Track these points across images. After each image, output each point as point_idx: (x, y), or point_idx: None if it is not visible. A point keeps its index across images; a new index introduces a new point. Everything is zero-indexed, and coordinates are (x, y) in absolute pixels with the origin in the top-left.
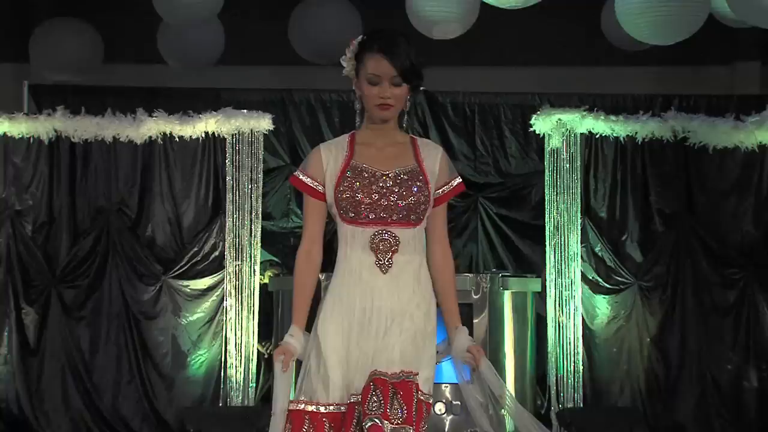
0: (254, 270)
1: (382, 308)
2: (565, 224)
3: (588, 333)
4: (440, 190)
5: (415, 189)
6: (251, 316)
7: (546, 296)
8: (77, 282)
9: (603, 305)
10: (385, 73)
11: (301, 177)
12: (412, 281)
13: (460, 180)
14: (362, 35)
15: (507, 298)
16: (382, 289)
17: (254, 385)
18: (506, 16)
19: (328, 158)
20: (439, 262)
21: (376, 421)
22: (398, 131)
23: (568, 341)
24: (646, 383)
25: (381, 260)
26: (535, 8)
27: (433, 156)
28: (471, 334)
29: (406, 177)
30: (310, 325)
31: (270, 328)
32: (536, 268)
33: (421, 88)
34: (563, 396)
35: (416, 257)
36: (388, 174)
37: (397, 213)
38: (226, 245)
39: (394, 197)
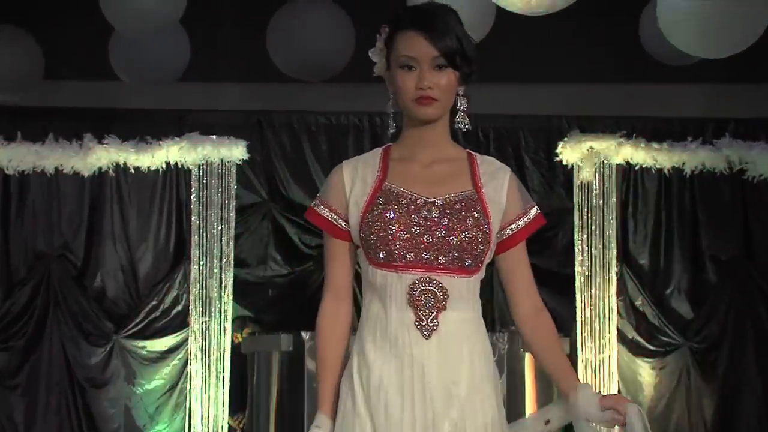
0: (225, 328)
1: (427, 389)
2: (599, 273)
3: None
4: (513, 225)
5: (471, 222)
6: (221, 384)
7: (576, 360)
8: (11, 343)
9: (646, 371)
10: (423, 54)
11: (318, 210)
12: (469, 349)
13: (538, 210)
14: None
15: (528, 360)
16: (428, 360)
17: None
18: (526, 24)
19: (353, 180)
20: (533, 319)
21: None
22: (450, 142)
23: None
24: None
25: (423, 320)
26: (562, 15)
27: (498, 179)
28: None
29: (459, 206)
30: None
31: (243, 397)
32: (564, 326)
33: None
34: None
35: (472, 314)
36: (434, 201)
37: (445, 255)
38: (191, 298)
39: (441, 232)
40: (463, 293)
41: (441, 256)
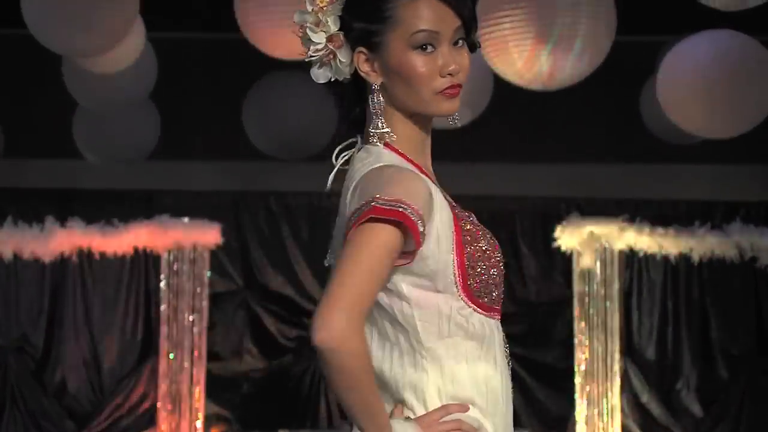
0: (196, 427)
1: None
2: (601, 367)
3: None
4: None
5: None
6: None
7: None
8: None
9: None
10: (448, 25)
11: (405, 209)
12: None
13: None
14: None
15: None
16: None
17: None
18: (523, 99)
19: (436, 199)
20: None
21: None
22: None
23: None
24: None
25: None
26: (560, 92)
27: None
28: None
29: None
30: None
31: None
32: (561, 424)
33: None
34: None
35: None
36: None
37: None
38: (160, 394)
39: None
40: None
41: (502, 291)
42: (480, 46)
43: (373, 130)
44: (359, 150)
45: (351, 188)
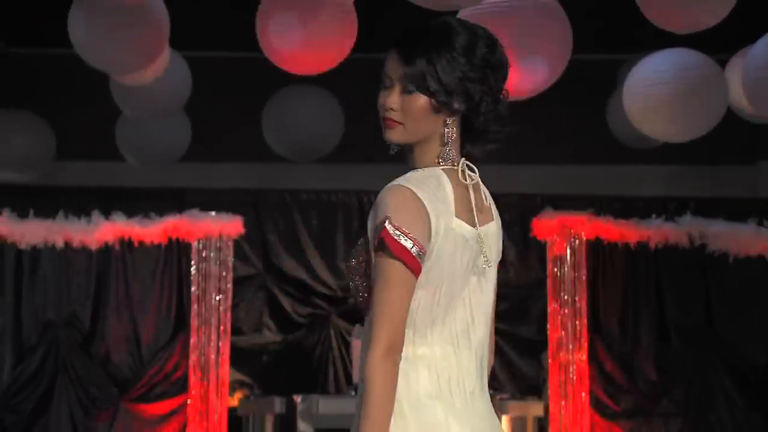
0: (221, 392)
1: None
2: (571, 340)
3: None
4: None
5: None
6: None
7: (549, 422)
8: (21, 406)
9: None
10: (393, 72)
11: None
12: None
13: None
14: None
15: (505, 423)
16: None
17: None
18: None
19: None
20: None
21: None
22: None
23: None
24: None
25: None
26: (536, 101)
27: None
28: None
29: None
30: None
31: None
32: (538, 390)
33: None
34: None
35: None
36: None
37: None
38: (191, 364)
39: None
40: None
41: None
42: (461, 110)
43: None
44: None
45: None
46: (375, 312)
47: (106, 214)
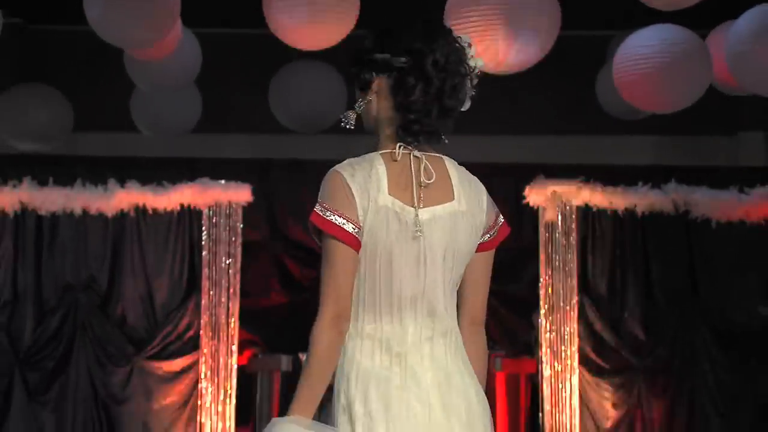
0: (231, 351)
1: None
2: (562, 301)
3: (587, 419)
4: None
5: None
6: (228, 400)
7: (541, 378)
8: (42, 364)
9: (605, 389)
10: None
11: None
12: None
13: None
14: None
15: (499, 381)
16: None
17: None
18: (497, 82)
19: None
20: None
21: None
22: None
23: (566, 428)
24: None
25: None
26: (528, 76)
27: None
28: None
29: None
30: None
31: (248, 412)
32: (531, 349)
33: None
34: None
35: None
36: None
37: None
38: (202, 324)
39: None
40: None
41: None
42: (367, 79)
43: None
44: (430, 152)
45: (482, 191)
46: (321, 285)
47: (122, 182)
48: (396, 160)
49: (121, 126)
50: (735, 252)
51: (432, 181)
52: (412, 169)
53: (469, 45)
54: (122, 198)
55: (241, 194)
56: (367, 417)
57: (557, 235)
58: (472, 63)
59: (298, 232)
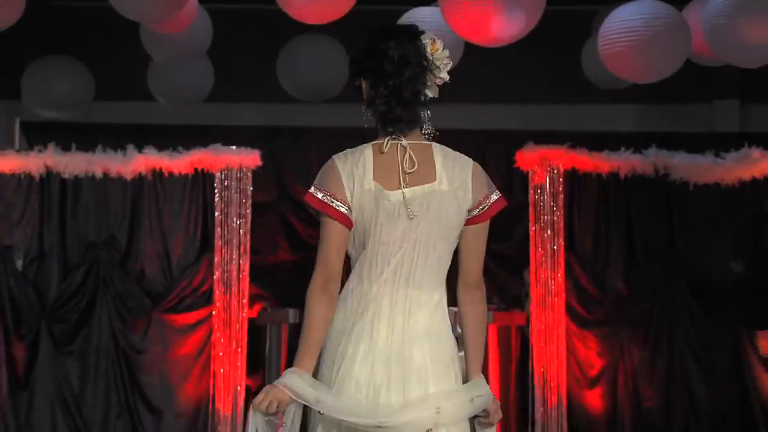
0: (242, 304)
1: None
2: (550, 259)
3: (573, 367)
4: None
5: None
6: (239, 351)
7: (531, 330)
8: (67, 317)
9: (590, 340)
10: None
11: None
12: None
13: None
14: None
15: (491, 332)
16: None
17: (242, 419)
18: (490, 55)
19: None
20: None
21: None
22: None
23: (554, 376)
24: (631, 417)
25: None
26: (517, 47)
27: None
28: None
29: None
30: None
31: (258, 362)
32: (521, 302)
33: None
34: (547, 430)
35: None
36: None
37: None
38: (215, 280)
39: None
40: None
41: None
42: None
43: (425, 131)
44: (423, 139)
45: (467, 170)
46: (317, 254)
47: (140, 148)
48: (383, 152)
49: (139, 95)
50: (711, 212)
51: (415, 168)
52: (398, 157)
53: (433, 40)
54: (140, 162)
55: (250, 159)
56: (340, 356)
57: (545, 196)
58: (438, 55)
59: (303, 194)
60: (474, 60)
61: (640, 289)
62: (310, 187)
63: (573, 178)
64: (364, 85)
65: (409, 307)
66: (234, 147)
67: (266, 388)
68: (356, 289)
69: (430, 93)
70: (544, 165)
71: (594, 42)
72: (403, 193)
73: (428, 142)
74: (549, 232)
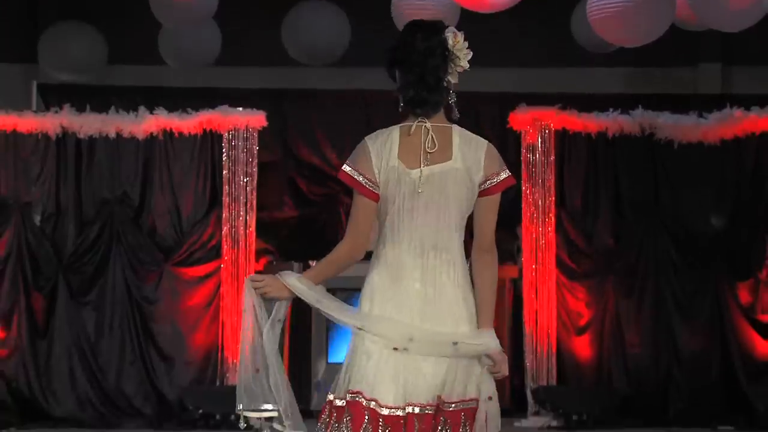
0: (249, 258)
1: None
2: (541, 214)
3: (562, 316)
4: None
5: None
6: None
7: (523, 282)
8: (83, 269)
9: (577, 290)
10: None
11: None
12: None
13: None
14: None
15: None
16: None
17: None
18: (484, 20)
19: None
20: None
21: None
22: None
23: (544, 325)
24: (617, 363)
25: None
26: (510, 14)
27: None
28: None
29: None
30: None
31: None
32: (514, 256)
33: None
34: (538, 375)
35: None
36: None
37: None
38: (223, 234)
39: None
40: None
41: None
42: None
43: (454, 117)
44: (446, 122)
45: (481, 151)
46: (348, 222)
47: (151, 109)
48: (410, 134)
49: (151, 59)
50: (694, 169)
51: (435, 148)
52: (422, 139)
53: (454, 34)
54: (151, 123)
55: (257, 120)
56: (376, 294)
57: (537, 155)
58: (459, 47)
59: (307, 154)
60: (469, 25)
61: (627, 243)
62: (344, 166)
63: (563, 138)
64: (397, 75)
65: (433, 270)
66: (241, 108)
67: (265, 276)
68: (383, 254)
69: (452, 79)
70: (536, 125)
71: (583, 7)
72: (422, 170)
73: (449, 125)
74: (540, 189)
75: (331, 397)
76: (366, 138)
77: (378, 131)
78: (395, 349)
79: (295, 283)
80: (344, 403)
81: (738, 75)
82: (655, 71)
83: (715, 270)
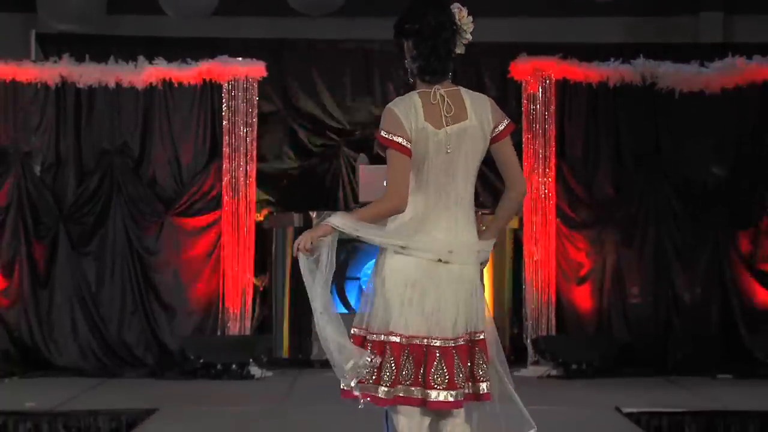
0: (250, 208)
1: None
2: (542, 164)
3: (562, 266)
4: None
5: None
6: (247, 252)
7: (524, 232)
8: (84, 219)
9: (577, 240)
10: None
11: None
12: None
13: None
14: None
15: None
16: None
17: (251, 316)
18: None
19: None
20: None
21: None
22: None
23: (544, 274)
24: (617, 313)
25: None
26: None
27: None
28: None
29: None
30: None
31: (265, 263)
32: None
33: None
34: (538, 325)
35: None
36: None
37: None
38: (223, 185)
39: None
40: None
41: None
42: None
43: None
44: (453, 85)
45: (486, 105)
46: (387, 180)
47: (150, 59)
48: (432, 102)
49: (150, 9)
50: (695, 119)
51: (452, 111)
52: (440, 103)
53: (460, 9)
54: (151, 73)
55: (256, 70)
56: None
57: (538, 105)
58: (464, 21)
59: (307, 104)
60: None
61: (627, 193)
62: (380, 132)
63: (564, 88)
64: (406, 44)
65: (455, 219)
66: (240, 59)
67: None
68: (414, 207)
69: (458, 50)
70: (537, 75)
71: None
72: (446, 130)
73: (456, 87)
74: (541, 139)
75: (360, 332)
76: (389, 105)
77: (397, 98)
78: (439, 260)
79: (337, 220)
80: (384, 338)
81: (740, 23)
82: (656, 20)
83: (716, 219)
